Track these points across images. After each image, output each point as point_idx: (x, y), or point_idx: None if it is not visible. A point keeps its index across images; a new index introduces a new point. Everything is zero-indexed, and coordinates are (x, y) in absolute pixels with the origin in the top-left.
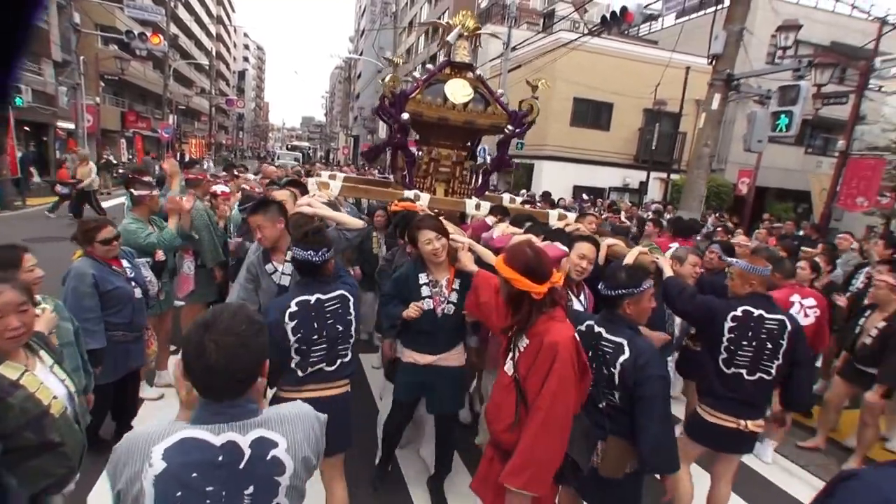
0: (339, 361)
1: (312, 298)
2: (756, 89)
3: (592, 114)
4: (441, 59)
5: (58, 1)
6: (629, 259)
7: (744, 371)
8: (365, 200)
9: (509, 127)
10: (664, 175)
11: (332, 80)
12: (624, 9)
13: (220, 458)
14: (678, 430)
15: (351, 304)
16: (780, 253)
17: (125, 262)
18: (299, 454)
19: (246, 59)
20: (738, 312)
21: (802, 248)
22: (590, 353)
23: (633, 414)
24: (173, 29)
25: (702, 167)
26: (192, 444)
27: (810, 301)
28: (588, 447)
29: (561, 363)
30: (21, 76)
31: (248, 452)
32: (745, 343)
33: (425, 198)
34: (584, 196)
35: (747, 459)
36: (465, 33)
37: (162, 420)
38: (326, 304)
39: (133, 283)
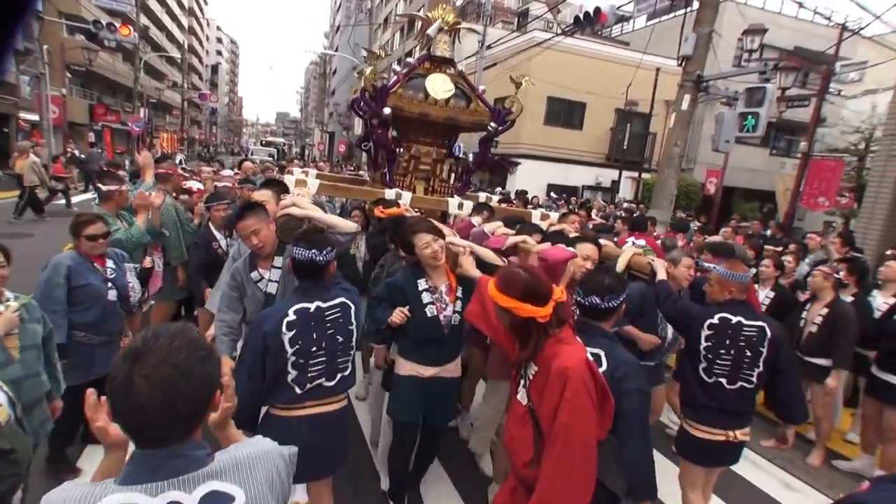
0: (339, 375)
1: (312, 306)
2: (724, 91)
3: (566, 113)
4: (418, 54)
5: None
6: (622, 260)
7: (724, 380)
8: (339, 200)
9: (492, 124)
10: (636, 174)
11: (307, 76)
12: (597, 9)
13: None
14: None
15: (352, 312)
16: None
17: (109, 263)
18: None
19: (219, 53)
20: (715, 320)
21: (766, 246)
22: None
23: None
24: (144, 20)
25: (672, 167)
26: None
27: None
28: (619, 469)
29: (573, 392)
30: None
31: None
32: (723, 351)
33: (407, 196)
34: (553, 195)
35: None
36: (446, 27)
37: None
38: (327, 313)
39: (109, 285)
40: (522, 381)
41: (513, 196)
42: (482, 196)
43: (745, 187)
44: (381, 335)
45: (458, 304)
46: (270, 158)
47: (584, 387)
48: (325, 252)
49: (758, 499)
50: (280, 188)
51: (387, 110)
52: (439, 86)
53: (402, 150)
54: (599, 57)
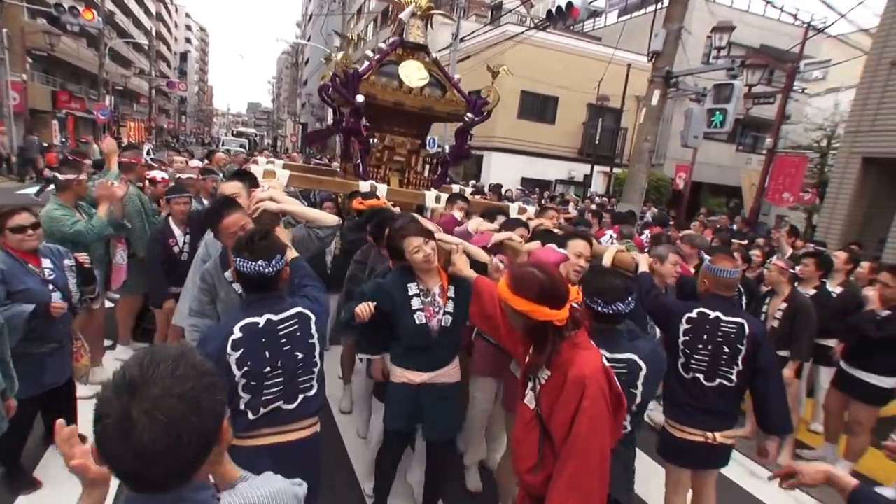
0: (300, 397)
1: (262, 320)
2: (693, 87)
3: (539, 107)
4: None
5: None
6: (607, 257)
7: (701, 376)
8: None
9: (469, 115)
10: (607, 168)
11: (278, 66)
12: (570, 4)
13: None
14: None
15: (312, 323)
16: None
17: (46, 262)
18: None
19: (188, 41)
20: (693, 314)
21: (733, 240)
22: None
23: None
24: (109, 5)
25: (642, 161)
26: None
27: None
28: (629, 480)
29: (591, 400)
30: None
31: None
32: (700, 346)
33: (383, 189)
34: (521, 188)
35: None
36: (419, 12)
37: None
38: (280, 327)
39: (50, 287)
40: (531, 385)
41: (486, 189)
42: (455, 188)
43: (713, 182)
44: (353, 331)
45: (451, 304)
46: (242, 149)
47: (601, 395)
48: (273, 261)
49: (724, 485)
50: (251, 180)
51: (360, 98)
52: (413, 73)
53: (375, 139)
54: (572, 52)
